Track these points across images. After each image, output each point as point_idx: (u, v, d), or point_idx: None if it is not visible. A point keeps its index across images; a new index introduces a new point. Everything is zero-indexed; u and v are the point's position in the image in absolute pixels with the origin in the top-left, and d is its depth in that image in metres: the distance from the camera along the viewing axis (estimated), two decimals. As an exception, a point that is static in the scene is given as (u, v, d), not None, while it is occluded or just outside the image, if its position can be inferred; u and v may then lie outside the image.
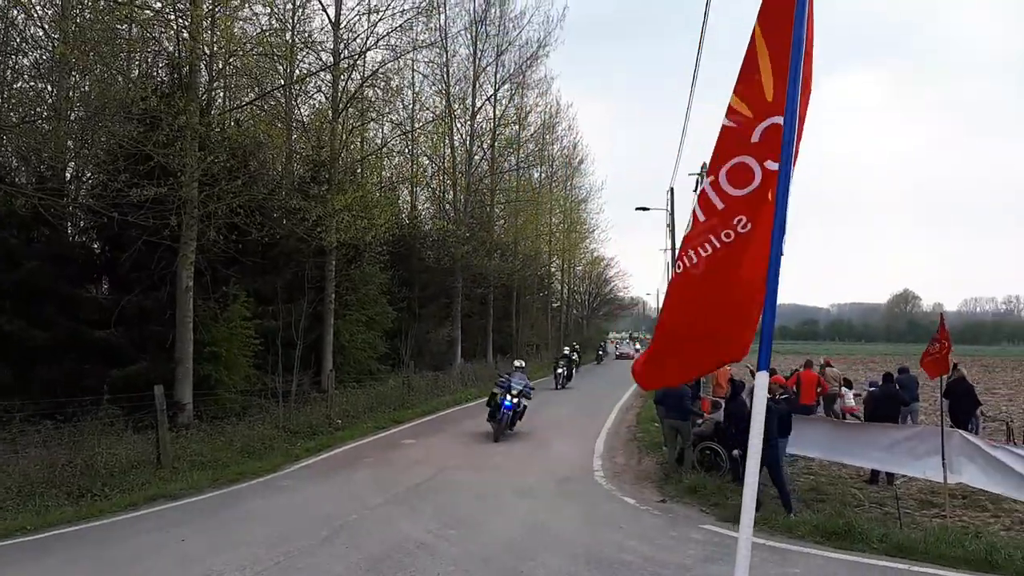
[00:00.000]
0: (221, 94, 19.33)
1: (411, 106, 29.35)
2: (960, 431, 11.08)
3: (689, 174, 21.90)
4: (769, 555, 7.98)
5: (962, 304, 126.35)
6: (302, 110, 21.77)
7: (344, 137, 21.02)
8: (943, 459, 10.12)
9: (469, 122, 31.68)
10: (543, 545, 8.27)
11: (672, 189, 30.75)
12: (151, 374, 13.92)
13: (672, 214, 31.14)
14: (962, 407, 14.56)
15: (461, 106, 31.28)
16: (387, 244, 23.41)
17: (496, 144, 33.61)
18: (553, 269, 52.81)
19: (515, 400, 16.12)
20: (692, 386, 14.71)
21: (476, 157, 32.47)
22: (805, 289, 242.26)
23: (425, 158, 32.00)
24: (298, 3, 20.33)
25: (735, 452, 10.62)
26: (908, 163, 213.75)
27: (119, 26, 13.98)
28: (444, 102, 30.40)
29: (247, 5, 16.11)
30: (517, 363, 19.95)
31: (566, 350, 37.18)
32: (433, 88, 30.54)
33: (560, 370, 30.34)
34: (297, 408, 16.91)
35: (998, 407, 22.32)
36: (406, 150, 29.94)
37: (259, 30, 17.62)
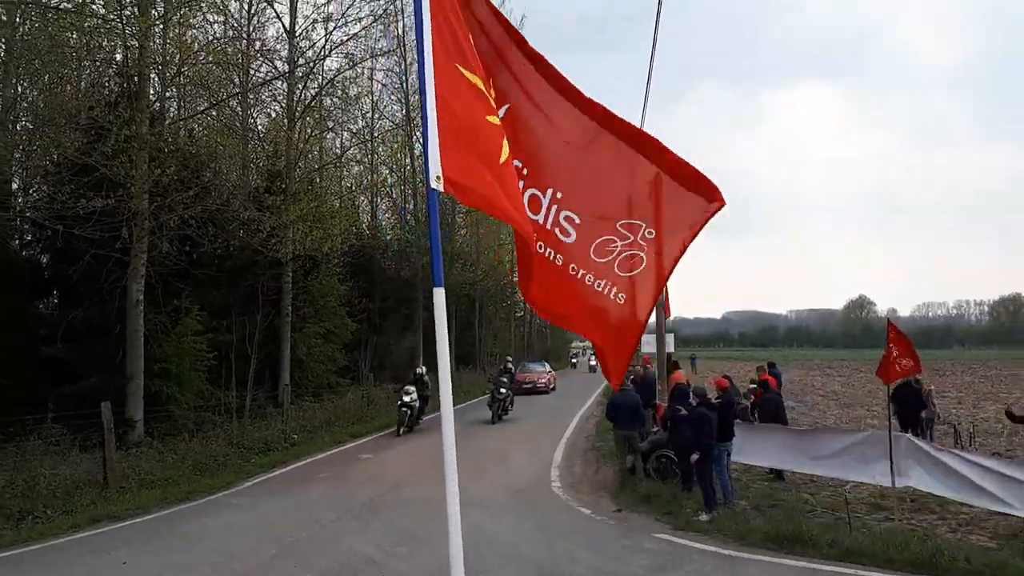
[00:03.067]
0: (174, 103, 19.05)
1: (370, 115, 29.18)
2: (908, 436, 11.27)
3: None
4: (721, 563, 8.02)
5: (915, 309, 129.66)
6: (257, 119, 21.55)
7: (301, 146, 20.82)
8: (891, 463, 10.29)
9: (429, 131, 31.60)
10: (496, 557, 8.17)
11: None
12: (100, 391, 13.56)
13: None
14: (909, 411, 14.84)
15: (420, 115, 31.16)
16: (346, 255, 23.21)
17: (456, 153, 33.58)
18: (515, 279, 52.82)
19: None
20: (645, 392, 14.76)
21: (437, 167, 32.40)
22: (764, 296, 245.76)
23: (385, 168, 31.83)
24: (252, 11, 20.14)
25: (693, 457, 10.63)
26: (861, 172, 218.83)
27: (66, 34, 13.68)
28: (403, 111, 30.29)
29: (200, 13, 15.90)
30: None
31: (509, 361, 28.99)
32: (392, 96, 30.42)
33: (502, 394, 21.93)
34: (252, 424, 16.63)
35: (947, 410, 22.78)
36: (365, 159, 29.76)
37: (212, 38, 17.41)
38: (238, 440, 15.29)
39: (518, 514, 10.39)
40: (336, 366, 23.55)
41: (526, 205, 3.70)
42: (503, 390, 22.07)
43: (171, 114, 17.95)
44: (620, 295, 3.77)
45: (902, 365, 11.58)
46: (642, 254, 3.75)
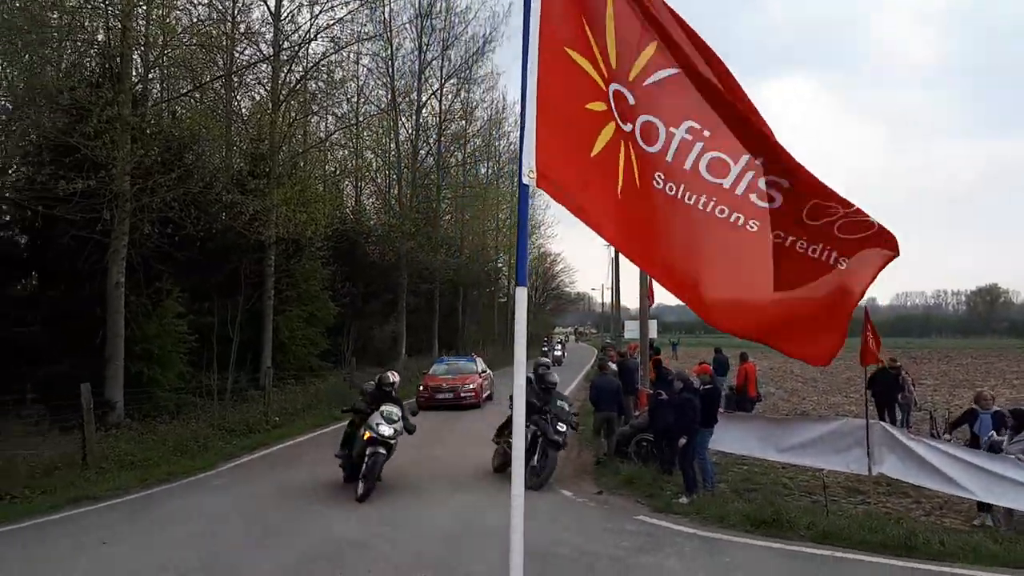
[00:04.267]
0: (157, 85, 18.83)
1: (355, 99, 29.01)
2: (882, 423, 11.46)
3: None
4: (701, 544, 8.15)
5: (894, 298, 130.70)
6: (241, 102, 21.36)
7: (285, 130, 20.67)
8: (868, 450, 10.48)
9: (414, 116, 31.50)
10: (478, 539, 8.27)
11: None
12: (80, 372, 13.47)
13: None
14: (886, 396, 15.15)
15: (406, 100, 31.08)
16: (329, 239, 23.12)
17: (442, 139, 33.46)
18: (500, 265, 52.85)
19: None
20: (627, 378, 14.89)
21: (422, 152, 32.32)
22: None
23: (370, 152, 31.71)
24: (237, -7, 19.88)
25: (680, 441, 10.75)
26: (842, 163, 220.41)
27: (47, 13, 13.47)
28: (389, 96, 30.16)
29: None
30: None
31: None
32: (378, 82, 30.27)
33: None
34: (233, 406, 16.61)
35: (924, 397, 23.13)
36: (350, 144, 29.62)
37: (196, 20, 17.19)
38: (219, 422, 15.26)
39: (502, 496, 10.45)
40: (318, 349, 23.51)
41: (705, 171, 3.51)
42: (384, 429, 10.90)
43: (154, 96, 17.73)
44: (842, 259, 3.47)
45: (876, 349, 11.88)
46: (870, 222, 3.44)
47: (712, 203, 3.52)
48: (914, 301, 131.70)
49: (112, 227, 13.93)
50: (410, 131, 31.64)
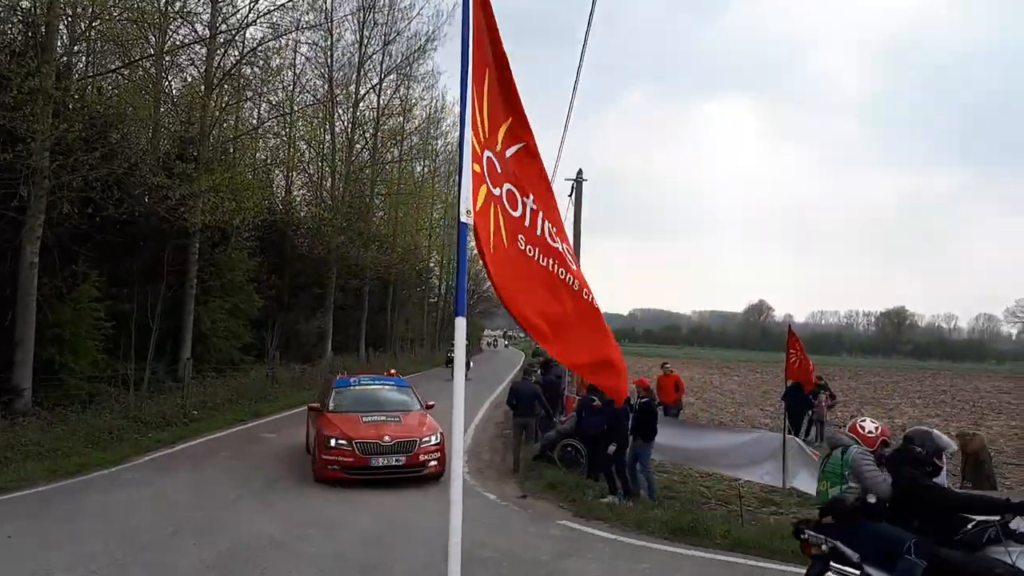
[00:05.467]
0: (83, 59, 18.05)
1: (291, 88, 28.43)
2: (797, 439, 11.89)
3: (566, 179, 22.45)
4: (620, 550, 8.31)
5: (809, 316, 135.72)
6: (172, 83, 20.64)
7: (216, 114, 20.10)
8: (783, 464, 10.88)
9: (352, 109, 31.05)
10: (402, 541, 8.24)
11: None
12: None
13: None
14: (794, 411, 15.85)
15: (344, 92, 30.58)
16: (257, 229, 22.59)
17: (379, 134, 33.10)
18: (432, 264, 52.61)
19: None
20: (553, 384, 15.00)
21: (357, 146, 31.87)
22: (670, 295, 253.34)
23: (303, 143, 31.09)
24: (174, -30, 19.23)
25: (610, 448, 10.96)
26: (771, 186, 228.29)
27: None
28: (326, 86, 29.66)
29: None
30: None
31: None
32: (315, 71, 29.72)
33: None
34: (150, 397, 16.01)
35: (834, 413, 24.14)
36: (283, 133, 29.00)
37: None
38: (135, 413, 14.68)
39: (425, 499, 10.43)
40: (241, 342, 22.88)
41: (548, 237, 4.22)
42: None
43: (79, 70, 16.97)
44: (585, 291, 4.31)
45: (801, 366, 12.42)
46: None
47: (556, 265, 4.20)
48: (828, 320, 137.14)
49: (28, 204, 13.27)
50: (346, 124, 31.20)
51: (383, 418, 11.71)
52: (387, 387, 13.37)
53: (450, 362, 29.35)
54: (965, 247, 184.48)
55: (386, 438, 11.01)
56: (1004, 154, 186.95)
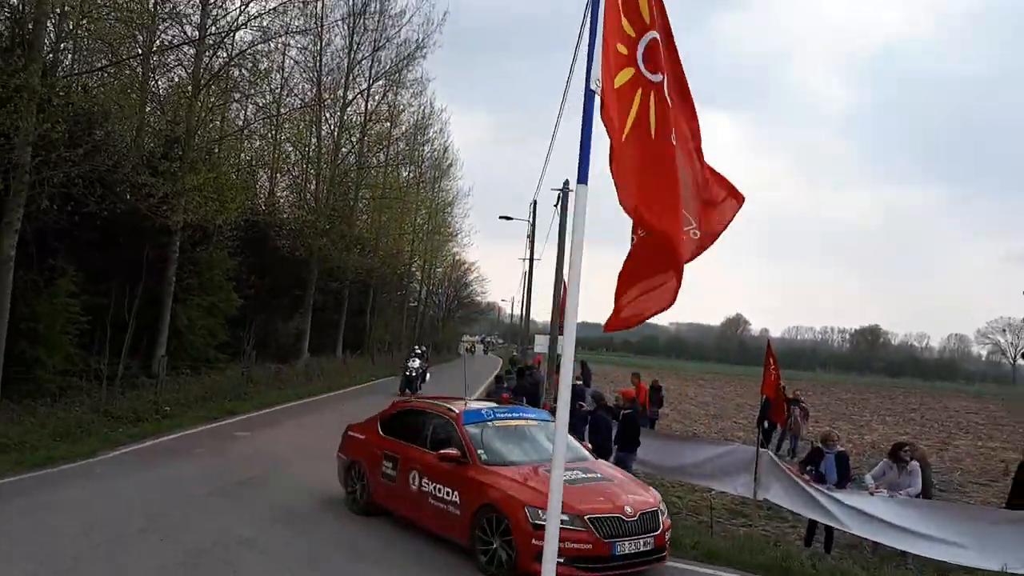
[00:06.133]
0: (69, 56, 18.10)
1: (278, 90, 28.50)
2: (771, 453, 12.13)
3: (552, 189, 22.78)
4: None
5: (785, 331, 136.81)
6: (159, 82, 20.71)
7: (203, 115, 20.19)
8: (756, 476, 11.14)
9: (339, 113, 31.16)
10: (375, 544, 8.35)
11: (535, 202, 31.80)
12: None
13: (534, 225, 32.14)
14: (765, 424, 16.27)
15: (332, 96, 30.70)
16: (239, 229, 22.65)
17: (365, 138, 33.24)
18: (414, 269, 52.72)
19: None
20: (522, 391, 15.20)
21: (343, 150, 31.99)
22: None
23: (289, 145, 31.17)
24: (164, -30, 19.36)
25: None
26: (749, 198, 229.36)
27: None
28: (314, 90, 29.77)
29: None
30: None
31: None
32: (304, 75, 29.83)
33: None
34: (122, 393, 16.05)
35: (808, 428, 24.54)
36: (269, 135, 29.08)
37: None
38: (106, 408, 14.70)
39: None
40: (217, 341, 22.92)
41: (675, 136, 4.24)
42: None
43: (65, 67, 17.03)
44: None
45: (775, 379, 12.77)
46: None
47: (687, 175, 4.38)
48: (804, 335, 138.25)
49: (6, 198, 13.32)
50: (333, 127, 31.31)
51: (580, 475, 8.03)
52: (535, 421, 9.38)
53: (409, 383, 24.93)
54: (940, 266, 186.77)
55: (627, 510, 7.52)
56: (982, 176, 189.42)
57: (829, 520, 10.17)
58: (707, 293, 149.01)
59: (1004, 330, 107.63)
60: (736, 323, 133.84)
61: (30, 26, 13.76)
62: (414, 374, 25.08)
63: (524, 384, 17.39)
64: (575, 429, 11.75)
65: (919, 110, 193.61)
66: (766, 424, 17.32)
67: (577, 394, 13.31)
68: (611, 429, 11.75)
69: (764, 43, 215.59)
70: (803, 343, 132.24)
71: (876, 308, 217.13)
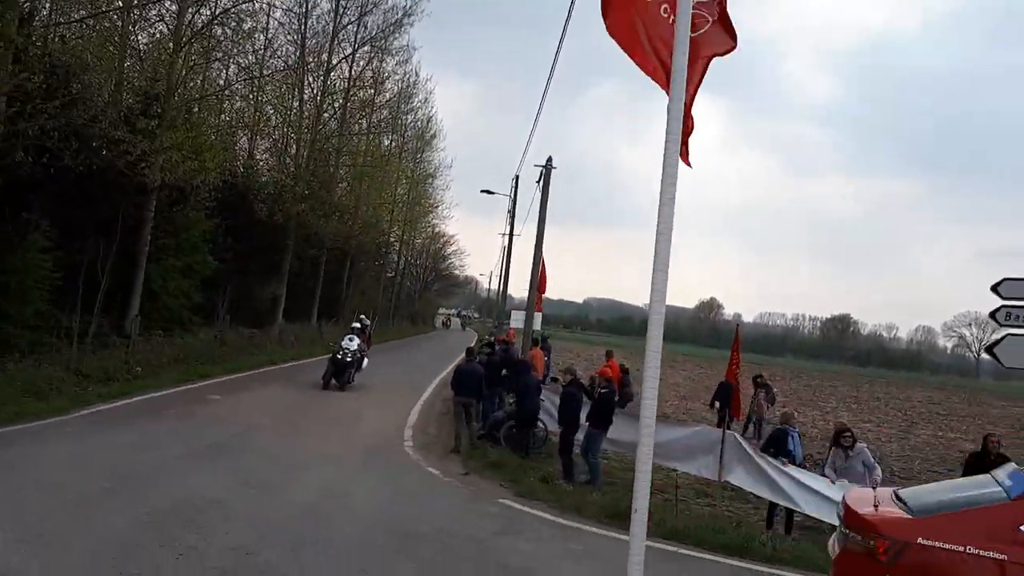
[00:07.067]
0: (47, 5, 17.54)
1: (261, 52, 27.95)
2: (736, 435, 12.26)
3: (535, 165, 22.57)
4: (557, 531, 8.62)
5: (758, 317, 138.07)
6: (140, 37, 20.18)
7: (183, 73, 19.74)
8: (720, 457, 11.28)
9: (323, 78, 30.65)
10: (341, 512, 8.38)
11: (517, 177, 31.55)
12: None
13: (515, 201, 31.93)
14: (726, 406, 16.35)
15: (316, 60, 30.19)
16: (216, 190, 22.26)
17: (348, 104, 32.76)
18: (392, 239, 52.36)
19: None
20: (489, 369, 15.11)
21: (325, 115, 31.50)
22: (624, 287, 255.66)
23: (270, 108, 30.61)
24: (147, -80, 18.79)
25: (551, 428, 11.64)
26: (728, 184, 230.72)
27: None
28: (298, 53, 29.24)
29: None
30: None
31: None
32: (288, 37, 29.27)
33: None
34: (93, 351, 15.80)
35: (774, 412, 24.87)
36: (250, 96, 28.53)
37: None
38: (76, 367, 14.50)
39: (368, 472, 10.59)
40: (191, 303, 22.59)
41: None
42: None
43: (42, 17, 16.51)
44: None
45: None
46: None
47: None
48: (775, 321, 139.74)
49: (-21, 148, 12.97)
50: (316, 92, 30.79)
51: None
52: None
53: (339, 370, 18.48)
54: (911, 259, 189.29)
55: None
56: (964, 172, 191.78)
57: (788, 502, 10.37)
58: (682, 276, 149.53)
59: (971, 324, 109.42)
60: (710, 307, 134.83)
61: (8, -29, 13.27)
62: (349, 358, 18.26)
63: (496, 359, 16.78)
64: (529, 405, 12.23)
65: (903, 100, 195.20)
66: (717, 404, 17.53)
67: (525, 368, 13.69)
68: (581, 405, 11.85)
69: (748, 32, 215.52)
70: (774, 329, 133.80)
71: (848, 297, 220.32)
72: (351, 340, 19.07)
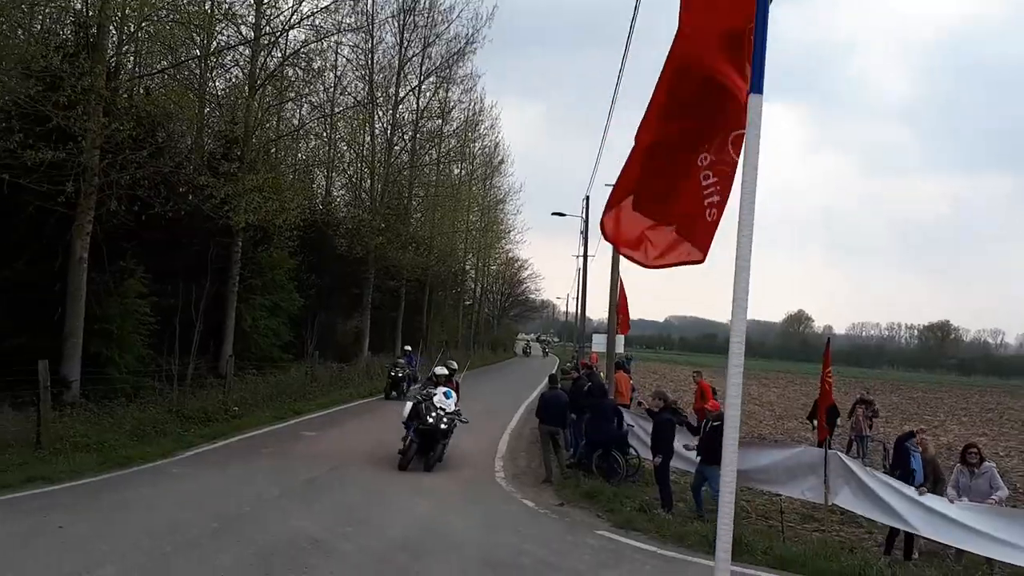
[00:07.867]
0: (131, 59, 18.40)
1: (332, 89, 28.63)
2: (840, 454, 11.54)
3: (605, 184, 22.23)
4: (661, 563, 8.24)
5: (850, 328, 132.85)
6: (217, 83, 20.96)
7: (260, 115, 20.36)
8: (825, 479, 10.59)
9: (391, 111, 31.23)
10: (440, 545, 8.24)
11: (588, 198, 31.34)
12: (33, 349, 13.02)
13: (587, 221, 31.69)
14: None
15: (384, 94, 30.77)
16: (298, 229, 22.80)
17: (417, 136, 33.24)
18: (468, 267, 52.74)
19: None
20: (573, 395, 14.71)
21: (396, 147, 32.04)
22: (707, 304, 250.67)
23: (344, 144, 31.34)
24: (221, -28, 19.52)
25: (656, 460, 11.15)
26: (811, 193, 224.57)
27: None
28: (367, 88, 29.87)
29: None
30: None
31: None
32: (356, 73, 29.94)
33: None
34: (192, 393, 16.24)
35: (877, 428, 23.60)
36: (324, 134, 29.26)
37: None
38: (177, 408, 14.91)
39: (463, 505, 10.41)
40: (281, 340, 23.16)
41: None
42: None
43: (127, 70, 17.31)
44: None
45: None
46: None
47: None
48: (869, 332, 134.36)
49: (77, 201, 13.54)
50: (386, 125, 31.39)
51: None
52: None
53: (396, 387, 21.50)
54: (1014, 260, 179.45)
55: None
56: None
57: (902, 524, 9.62)
58: (768, 289, 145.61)
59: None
60: (798, 320, 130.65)
61: (94, 30, 13.94)
62: (444, 423, 12.65)
63: (582, 384, 16.12)
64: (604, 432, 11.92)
65: (991, 93, 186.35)
66: (814, 422, 16.62)
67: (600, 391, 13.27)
68: (674, 432, 11.36)
69: (820, 33, 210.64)
70: (868, 340, 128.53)
71: (944, 304, 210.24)
72: (447, 395, 13.11)
